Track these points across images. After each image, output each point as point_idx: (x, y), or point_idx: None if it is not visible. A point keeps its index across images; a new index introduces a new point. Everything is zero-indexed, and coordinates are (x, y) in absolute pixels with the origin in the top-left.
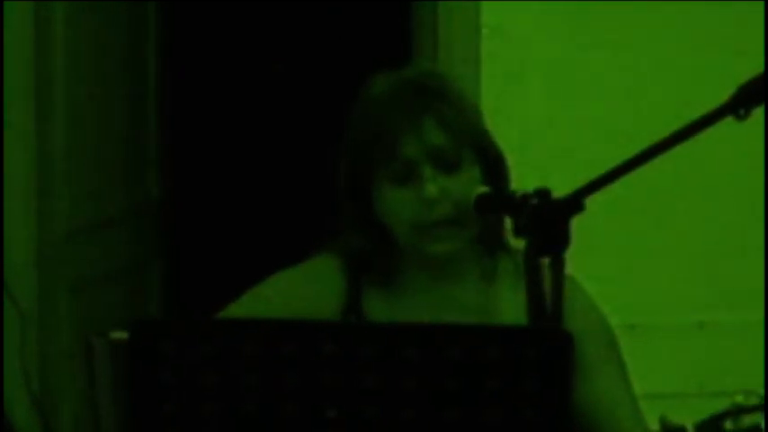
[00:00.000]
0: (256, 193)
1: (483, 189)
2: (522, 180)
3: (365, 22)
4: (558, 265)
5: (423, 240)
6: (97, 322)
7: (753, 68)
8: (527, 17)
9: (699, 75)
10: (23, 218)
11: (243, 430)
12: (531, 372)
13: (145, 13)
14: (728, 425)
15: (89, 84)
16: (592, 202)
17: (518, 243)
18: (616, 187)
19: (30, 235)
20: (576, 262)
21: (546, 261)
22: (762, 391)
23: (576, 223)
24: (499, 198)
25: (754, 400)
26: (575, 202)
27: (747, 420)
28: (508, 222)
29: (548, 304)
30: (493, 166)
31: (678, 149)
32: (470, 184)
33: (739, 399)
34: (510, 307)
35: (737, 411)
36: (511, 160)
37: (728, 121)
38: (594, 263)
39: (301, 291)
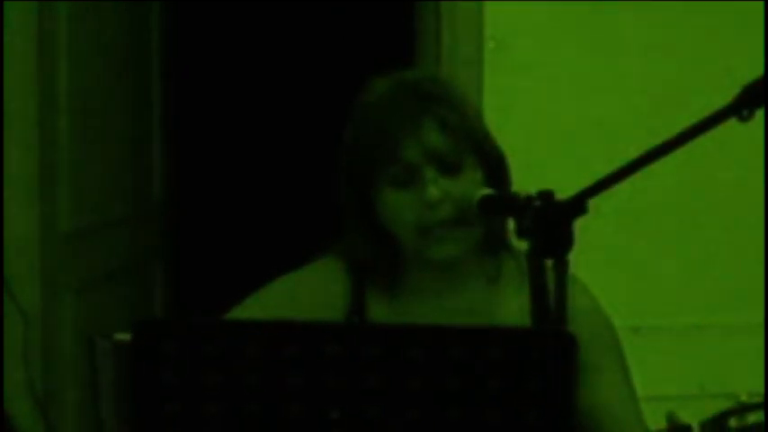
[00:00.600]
0: (258, 195)
1: (486, 191)
2: (524, 182)
3: (368, 24)
4: (561, 266)
5: (425, 244)
6: (100, 323)
7: (753, 68)
8: (530, 19)
9: (699, 75)
10: (26, 218)
11: (246, 431)
12: (534, 373)
13: (148, 13)
14: (733, 422)
15: (92, 85)
16: (595, 204)
17: (522, 244)
18: (619, 189)
19: (32, 236)
20: (579, 264)
21: (549, 262)
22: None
23: (579, 225)
24: (503, 200)
25: (758, 400)
26: (578, 204)
27: (752, 418)
28: (511, 224)
29: (551, 306)
30: (494, 168)
31: (679, 151)
32: (472, 187)
33: (743, 397)
34: (514, 309)
35: (742, 409)
36: (513, 162)
37: (729, 122)
38: (597, 265)
39: (305, 293)
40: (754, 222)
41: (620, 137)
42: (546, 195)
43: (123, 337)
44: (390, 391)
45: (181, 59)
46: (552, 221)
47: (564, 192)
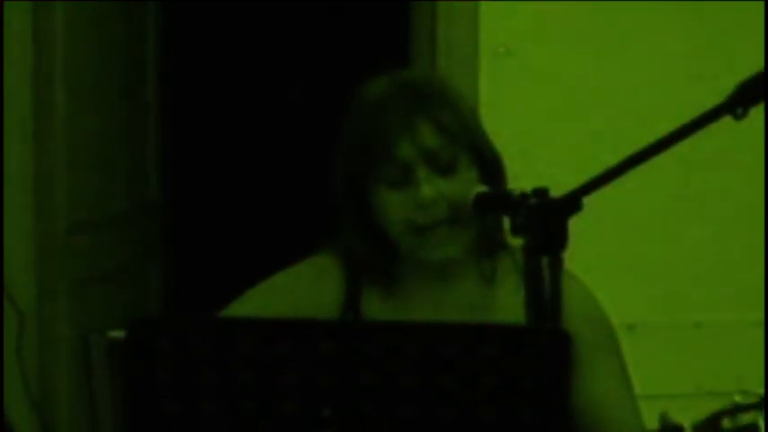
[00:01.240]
0: (256, 194)
1: (481, 188)
2: (519, 181)
3: (363, 24)
4: (555, 264)
5: (420, 244)
6: (96, 323)
7: (753, 69)
8: (526, 19)
9: (698, 76)
10: (22, 217)
11: (240, 429)
12: (529, 370)
13: (144, 13)
14: (726, 423)
15: (89, 84)
16: (590, 201)
17: (518, 242)
18: (615, 186)
19: (28, 235)
20: (574, 261)
21: (545, 260)
22: (760, 390)
23: (575, 223)
24: (497, 197)
25: (752, 400)
26: (573, 202)
27: (745, 419)
28: (506, 222)
29: (547, 303)
30: (489, 167)
31: (677, 149)
32: (466, 186)
33: (737, 398)
34: (510, 306)
35: (735, 410)
36: (509, 161)
37: (728, 120)
38: (593, 262)
39: (300, 290)
40: (753, 220)
41: (618, 135)
42: (541, 193)
43: (117, 334)
44: (385, 389)
45: (177, 59)
46: (547, 219)
47: (561, 189)
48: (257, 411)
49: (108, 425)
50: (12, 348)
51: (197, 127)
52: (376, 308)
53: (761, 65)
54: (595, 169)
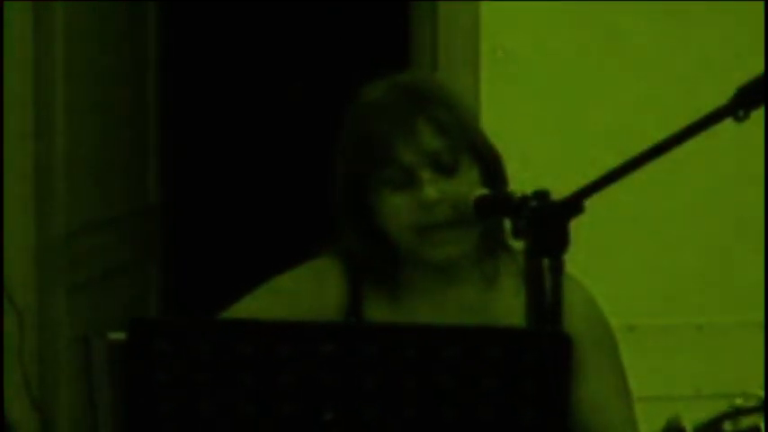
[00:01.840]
0: (256, 195)
1: (482, 191)
2: (520, 182)
3: (363, 26)
4: (556, 266)
5: (423, 245)
6: (95, 323)
7: (753, 69)
8: (527, 20)
9: (699, 76)
10: (22, 218)
11: (240, 430)
12: (529, 373)
13: (145, 13)
14: (727, 426)
15: (89, 85)
16: (591, 203)
17: (519, 244)
18: (615, 189)
19: (28, 236)
20: (575, 263)
21: (546, 262)
22: (761, 392)
23: (575, 224)
24: (498, 200)
25: (753, 403)
26: (574, 204)
27: (746, 422)
28: (508, 223)
29: (548, 305)
30: (490, 168)
31: (678, 151)
32: (469, 187)
33: (738, 401)
34: (511, 308)
35: (736, 413)
36: (509, 162)
37: (728, 122)
38: (593, 264)
39: (301, 292)
40: (753, 221)
41: (620, 136)
42: (541, 195)
43: (117, 336)
44: (385, 391)
45: (177, 60)
46: (548, 221)
47: (562, 192)
48: (257, 414)
49: (108, 425)
50: (12, 348)
51: (197, 127)
52: (377, 310)
53: (761, 65)
54: (596, 171)
